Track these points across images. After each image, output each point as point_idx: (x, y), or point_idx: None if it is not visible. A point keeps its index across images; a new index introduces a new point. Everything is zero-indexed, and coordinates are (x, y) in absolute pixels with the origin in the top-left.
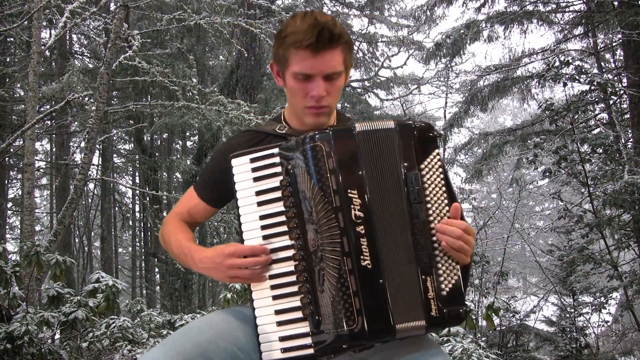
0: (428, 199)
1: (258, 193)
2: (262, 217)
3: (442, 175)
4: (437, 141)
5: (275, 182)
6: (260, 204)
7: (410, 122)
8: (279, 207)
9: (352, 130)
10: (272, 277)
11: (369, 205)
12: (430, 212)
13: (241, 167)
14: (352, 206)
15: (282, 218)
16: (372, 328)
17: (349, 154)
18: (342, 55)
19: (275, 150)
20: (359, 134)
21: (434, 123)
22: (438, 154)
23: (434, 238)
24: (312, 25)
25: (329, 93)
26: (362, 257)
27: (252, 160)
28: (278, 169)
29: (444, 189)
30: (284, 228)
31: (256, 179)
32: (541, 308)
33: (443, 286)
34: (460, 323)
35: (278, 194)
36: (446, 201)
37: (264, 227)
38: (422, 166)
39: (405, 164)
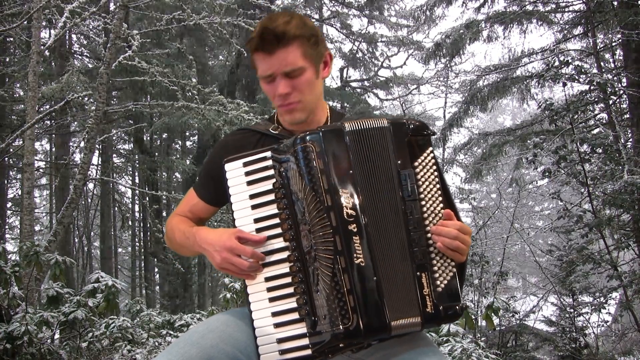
0: (422, 196)
1: (252, 196)
2: (256, 220)
3: (436, 173)
4: (431, 140)
5: (268, 184)
6: (254, 207)
7: (404, 120)
8: (272, 209)
9: (342, 130)
10: (268, 279)
11: (361, 203)
12: (425, 209)
13: (234, 172)
14: (344, 205)
15: (276, 220)
16: (367, 326)
17: (340, 153)
18: (299, 50)
19: (268, 154)
20: (350, 133)
21: (433, 123)
22: (432, 152)
23: (429, 235)
24: (259, 30)
25: (295, 88)
26: (355, 255)
27: (245, 165)
28: (271, 172)
29: (438, 186)
30: (278, 230)
31: (249, 183)
32: (541, 308)
33: (438, 282)
34: (456, 319)
35: (271, 196)
36: (440, 198)
37: (258, 230)
38: (416, 164)
39: (399, 162)
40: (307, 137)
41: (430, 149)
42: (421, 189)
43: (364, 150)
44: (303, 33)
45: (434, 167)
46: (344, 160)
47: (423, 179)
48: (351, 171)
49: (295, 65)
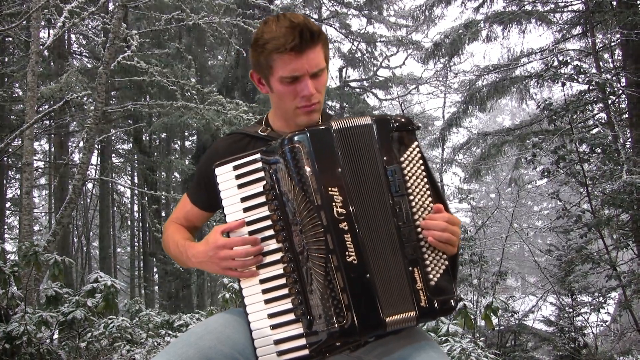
0: (410, 190)
1: (243, 199)
2: (248, 223)
3: (423, 167)
4: (416, 134)
5: (259, 187)
6: (246, 210)
7: (388, 116)
8: (264, 211)
9: (329, 129)
10: (262, 281)
11: (351, 201)
12: (413, 203)
13: (225, 176)
14: (333, 204)
15: (268, 222)
16: (362, 323)
17: (328, 152)
18: (322, 51)
19: (257, 156)
20: (336, 131)
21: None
22: (417, 146)
23: (419, 230)
24: (290, 27)
25: (317, 90)
26: (347, 253)
27: (235, 168)
28: (261, 174)
29: (425, 180)
30: (271, 232)
31: (240, 186)
32: (540, 308)
33: (431, 276)
34: (451, 313)
35: (262, 198)
36: (429, 192)
37: (251, 233)
38: (402, 159)
39: (385, 158)
40: (295, 138)
41: (416, 143)
42: (408, 184)
43: (350, 149)
44: (324, 35)
45: (421, 162)
46: (332, 159)
47: (410, 174)
48: (339, 169)
49: (320, 66)
